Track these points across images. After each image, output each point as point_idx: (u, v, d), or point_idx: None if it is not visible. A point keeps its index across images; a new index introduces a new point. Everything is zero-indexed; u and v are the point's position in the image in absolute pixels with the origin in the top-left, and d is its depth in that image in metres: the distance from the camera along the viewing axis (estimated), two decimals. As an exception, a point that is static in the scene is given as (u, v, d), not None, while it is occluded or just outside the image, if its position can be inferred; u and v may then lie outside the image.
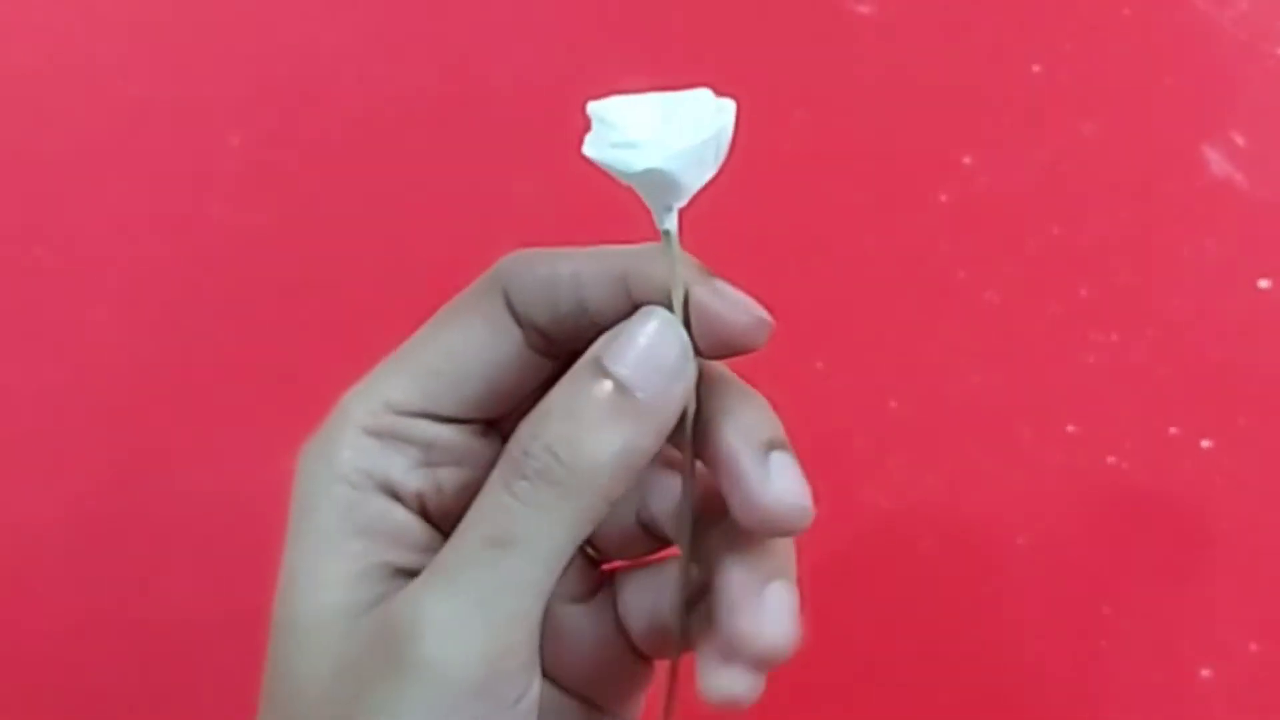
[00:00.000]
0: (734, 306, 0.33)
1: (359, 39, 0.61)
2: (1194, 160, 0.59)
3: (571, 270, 0.34)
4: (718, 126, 0.32)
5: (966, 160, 0.59)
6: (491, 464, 0.33)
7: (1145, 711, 0.54)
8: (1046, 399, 0.57)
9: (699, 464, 0.35)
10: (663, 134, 0.32)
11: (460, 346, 0.35)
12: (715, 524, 0.35)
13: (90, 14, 0.60)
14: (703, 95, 0.32)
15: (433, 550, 0.33)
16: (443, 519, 0.35)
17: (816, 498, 0.32)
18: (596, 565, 0.38)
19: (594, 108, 0.32)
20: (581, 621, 0.37)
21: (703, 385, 0.34)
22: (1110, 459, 0.56)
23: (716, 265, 0.35)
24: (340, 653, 0.32)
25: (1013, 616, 0.55)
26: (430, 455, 0.35)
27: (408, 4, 0.62)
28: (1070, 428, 0.57)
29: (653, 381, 0.32)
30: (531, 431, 0.32)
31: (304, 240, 0.59)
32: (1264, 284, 0.57)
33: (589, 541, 0.37)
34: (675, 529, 0.36)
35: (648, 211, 0.34)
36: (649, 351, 0.32)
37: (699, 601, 0.35)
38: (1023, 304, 0.58)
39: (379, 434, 0.34)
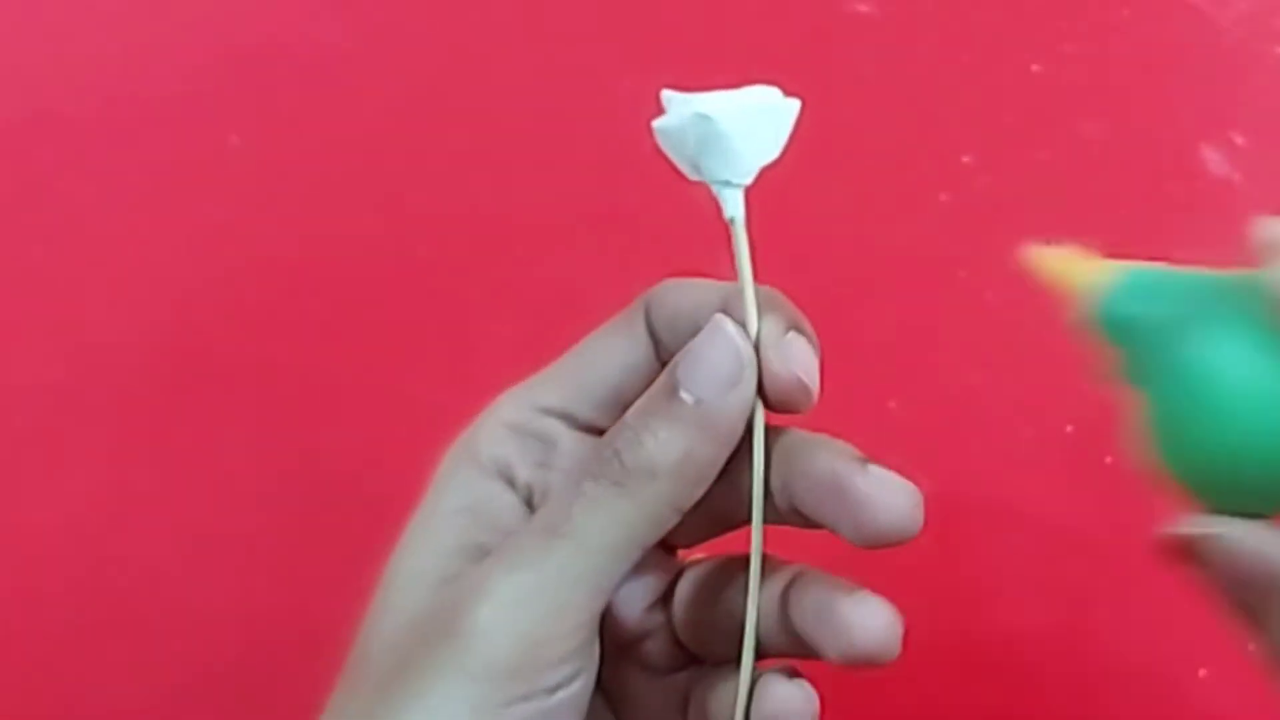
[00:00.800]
0: (785, 361, 0.34)
1: (360, 37, 0.61)
2: (1194, 160, 0.59)
3: (696, 300, 0.36)
4: (775, 103, 0.34)
5: (966, 160, 0.59)
6: None
7: (1144, 711, 0.54)
8: (1045, 399, 0.57)
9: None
10: (722, 97, 0.33)
11: (601, 354, 0.37)
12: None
13: (88, 13, 0.60)
14: (769, 89, 0.34)
15: None
16: None
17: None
18: (681, 648, 0.38)
19: (667, 93, 0.34)
20: (652, 693, 0.38)
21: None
22: (1109, 459, 0.56)
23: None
24: (414, 614, 0.34)
25: (1011, 615, 0.55)
26: (550, 456, 0.37)
27: (410, 2, 0.62)
28: (1069, 428, 0.57)
29: (709, 390, 0.33)
30: (609, 437, 0.34)
31: (303, 240, 0.59)
32: (1263, 284, 0.57)
33: (674, 632, 0.38)
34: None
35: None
36: (709, 360, 0.33)
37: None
38: (1022, 304, 0.58)
39: (513, 426, 0.37)
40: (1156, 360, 0.31)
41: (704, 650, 0.38)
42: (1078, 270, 0.32)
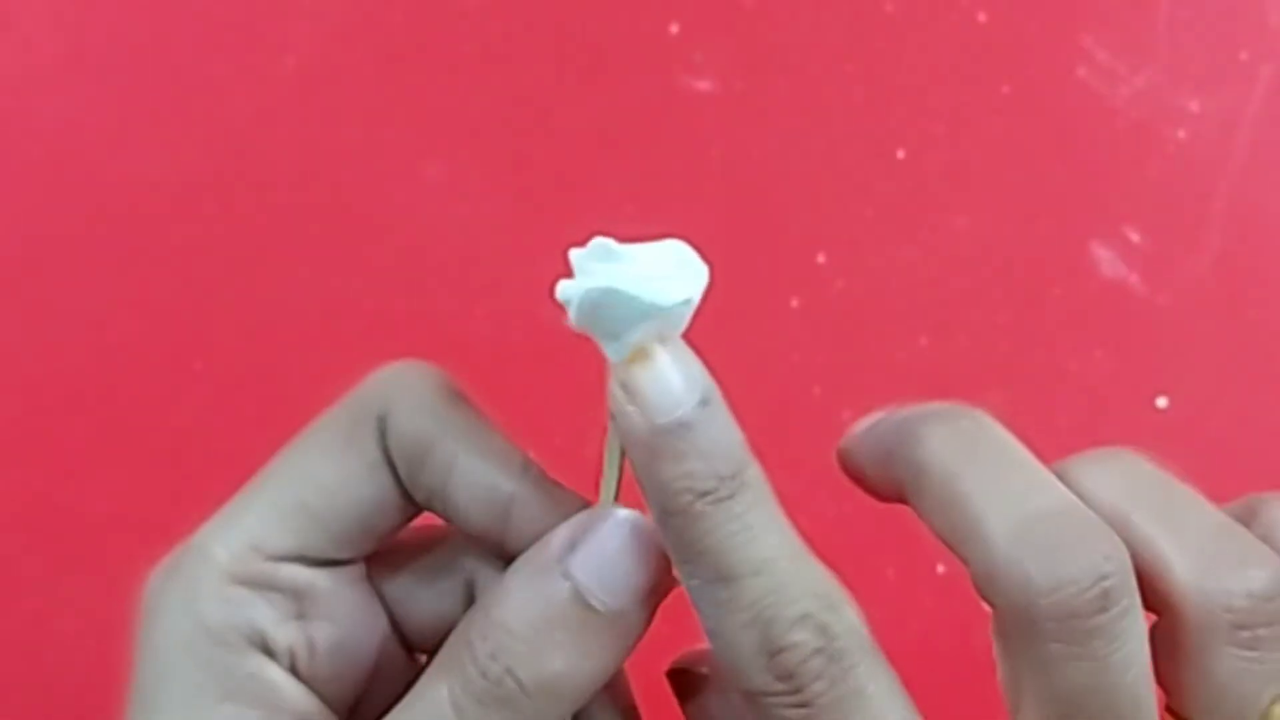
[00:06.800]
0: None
1: (357, 40, 0.61)
2: (1082, 259, 0.57)
3: (452, 453, 0.33)
4: (674, 262, 0.32)
5: (820, 259, 0.57)
6: (364, 617, 0.34)
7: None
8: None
9: None
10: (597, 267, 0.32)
11: (330, 480, 0.33)
12: None
13: (86, 12, 0.61)
14: (669, 246, 0.32)
15: (307, 713, 0.32)
16: (313, 679, 0.33)
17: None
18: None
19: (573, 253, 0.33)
20: None
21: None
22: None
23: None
24: None
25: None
26: (302, 606, 0.33)
27: (408, 6, 0.61)
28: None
29: (626, 600, 0.31)
30: (488, 649, 0.31)
31: (299, 240, 0.59)
32: (1162, 402, 0.55)
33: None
34: None
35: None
36: (623, 565, 0.31)
37: None
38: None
39: (247, 582, 0.33)
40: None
41: None
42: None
